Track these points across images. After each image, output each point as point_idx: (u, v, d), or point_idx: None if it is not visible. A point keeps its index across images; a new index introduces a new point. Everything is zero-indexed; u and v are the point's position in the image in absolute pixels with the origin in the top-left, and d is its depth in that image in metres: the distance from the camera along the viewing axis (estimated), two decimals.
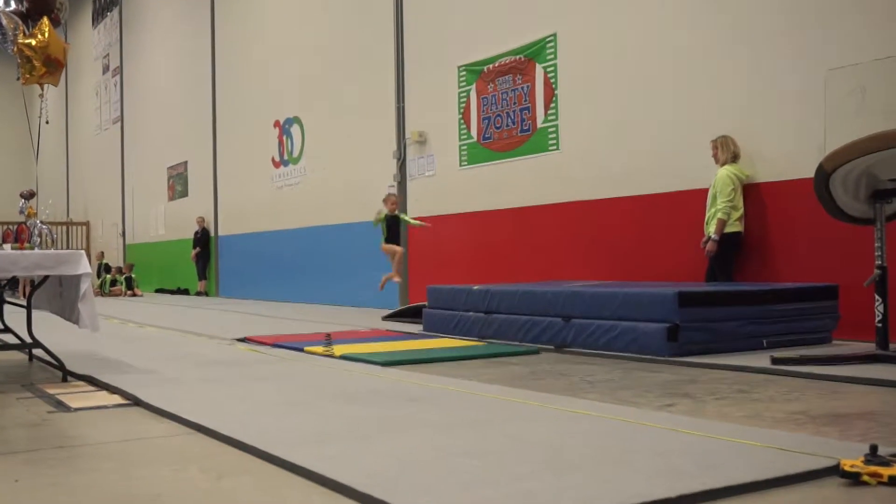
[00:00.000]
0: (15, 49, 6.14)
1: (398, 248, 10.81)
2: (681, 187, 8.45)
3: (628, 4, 9.05)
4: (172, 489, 2.75)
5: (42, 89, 6.45)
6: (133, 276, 20.14)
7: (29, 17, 6.22)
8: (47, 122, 7.76)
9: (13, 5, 6.21)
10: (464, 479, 2.69)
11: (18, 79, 6.35)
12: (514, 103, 10.52)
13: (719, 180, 7.72)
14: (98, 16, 26.08)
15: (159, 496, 2.67)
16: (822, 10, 7.28)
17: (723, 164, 7.78)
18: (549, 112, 10.02)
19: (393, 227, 10.78)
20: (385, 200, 11.00)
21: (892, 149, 5.26)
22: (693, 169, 8.22)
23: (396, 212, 10.89)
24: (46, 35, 6.02)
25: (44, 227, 6.27)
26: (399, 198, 11.62)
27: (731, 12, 8.02)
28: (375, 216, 10.78)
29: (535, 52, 10.19)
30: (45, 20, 6.04)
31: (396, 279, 10.84)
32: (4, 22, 6.15)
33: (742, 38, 7.91)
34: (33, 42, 6.05)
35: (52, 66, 6.24)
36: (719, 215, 7.66)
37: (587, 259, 9.51)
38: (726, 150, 7.79)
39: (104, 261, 22.46)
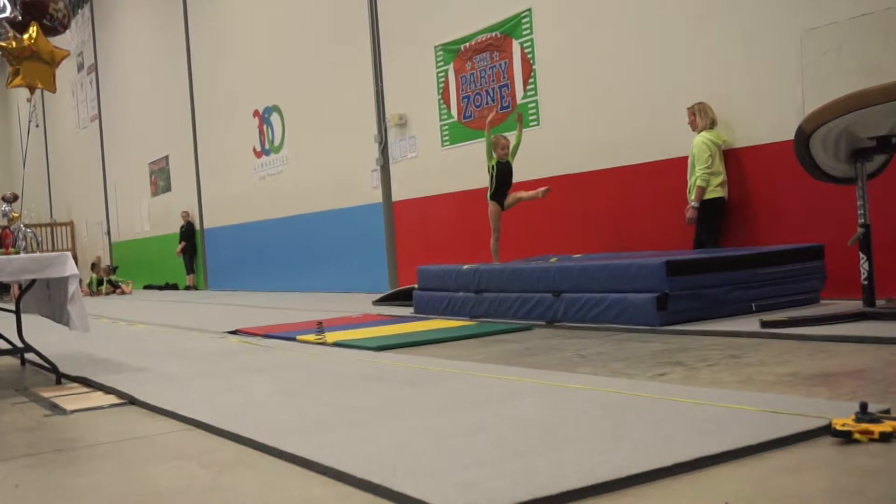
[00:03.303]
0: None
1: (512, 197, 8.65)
2: (663, 156, 8.47)
3: None
4: (174, 486, 2.76)
5: (31, 93, 6.40)
6: (113, 277, 20.00)
7: (24, 25, 6.18)
8: (37, 126, 7.74)
9: (8, 12, 6.17)
10: (462, 459, 2.71)
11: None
12: (493, 81, 10.50)
13: (696, 147, 7.75)
14: (69, 13, 25.83)
15: (161, 494, 2.69)
16: None
17: (700, 131, 7.80)
18: (528, 88, 10.01)
19: (504, 178, 8.61)
20: (495, 144, 8.53)
21: (870, 107, 5.29)
22: (674, 137, 8.23)
23: (508, 157, 8.61)
24: (35, 39, 5.98)
25: (28, 230, 6.24)
26: (508, 141, 8.66)
27: None
28: (488, 141, 8.53)
29: (511, 28, 10.17)
30: (35, 25, 6.00)
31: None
32: None
33: (716, 3, 7.91)
34: (16, 44, 6.00)
35: (48, 64, 6.17)
36: (698, 182, 7.69)
37: (574, 233, 9.53)
38: (705, 117, 7.80)
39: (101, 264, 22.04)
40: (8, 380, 5.75)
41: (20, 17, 6.13)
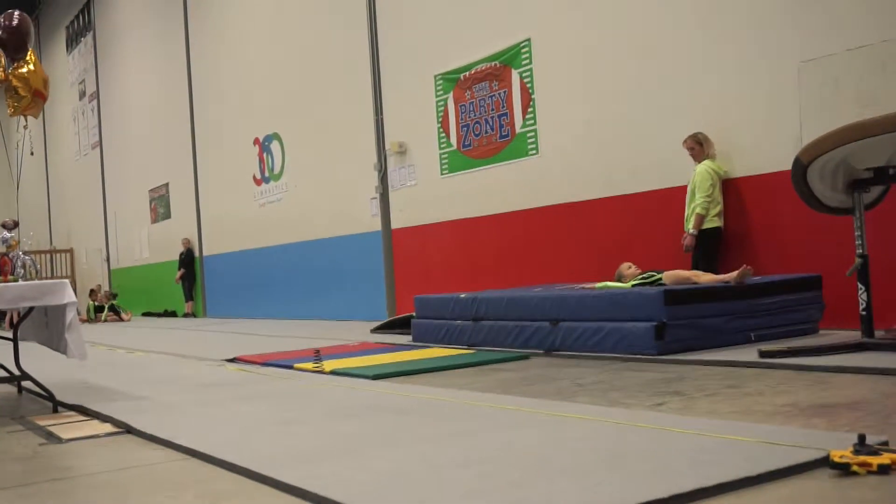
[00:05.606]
0: None
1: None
2: (660, 185, 8.50)
3: (600, 6, 9.10)
4: None
5: (25, 120, 6.44)
6: (112, 303, 19.96)
7: (5, 46, 6.19)
8: (31, 154, 7.78)
9: None
10: (457, 489, 2.70)
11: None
12: (492, 110, 10.55)
13: (698, 175, 7.77)
14: (72, 42, 25.98)
15: None
16: (793, 2, 7.34)
17: (702, 160, 7.83)
18: (527, 117, 10.06)
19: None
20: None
21: (868, 138, 5.31)
22: (673, 167, 8.26)
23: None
24: (33, 66, 6.02)
25: (27, 257, 6.24)
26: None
27: (702, 8, 8.08)
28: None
29: (511, 58, 10.23)
30: (31, 52, 6.05)
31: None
32: None
33: (714, 34, 7.97)
34: (23, 71, 6.04)
35: (35, 97, 6.23)
36: (698, 210, 7.71)
37: (572, 262, 9.54)
38: (710, 146, 7.85)
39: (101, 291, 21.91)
40: (4, 408, 5.72)
41: (3, 40, 6.14)
